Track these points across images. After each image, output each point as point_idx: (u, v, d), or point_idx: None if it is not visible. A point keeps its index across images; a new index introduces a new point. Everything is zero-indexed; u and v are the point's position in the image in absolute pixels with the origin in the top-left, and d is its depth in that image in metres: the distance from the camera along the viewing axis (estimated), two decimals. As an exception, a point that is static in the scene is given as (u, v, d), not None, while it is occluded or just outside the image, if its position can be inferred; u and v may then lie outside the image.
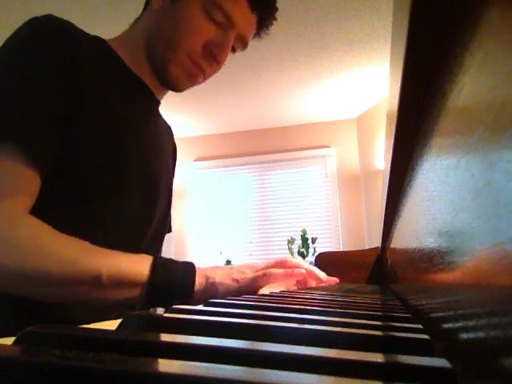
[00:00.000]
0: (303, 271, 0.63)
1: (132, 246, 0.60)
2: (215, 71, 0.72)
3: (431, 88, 0.25)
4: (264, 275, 0.60)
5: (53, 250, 0.51)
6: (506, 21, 0.12)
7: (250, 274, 0.61)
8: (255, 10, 0.67)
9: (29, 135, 0.52)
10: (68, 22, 0.60)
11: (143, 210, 0.67)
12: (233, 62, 2.71)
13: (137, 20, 0.72)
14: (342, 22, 2.28)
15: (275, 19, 0.72)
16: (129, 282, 0.54)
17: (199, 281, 0.58)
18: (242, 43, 0.70)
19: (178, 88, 0.71)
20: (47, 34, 0.57)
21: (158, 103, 0.76)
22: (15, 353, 0.12)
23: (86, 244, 0.54)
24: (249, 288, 0.60)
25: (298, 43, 2.47)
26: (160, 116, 0.79)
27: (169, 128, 0.86)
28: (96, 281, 0.52)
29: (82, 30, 0.62)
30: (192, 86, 0.72)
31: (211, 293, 0.58)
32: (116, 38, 0.70)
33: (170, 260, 0.59)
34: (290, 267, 0.65)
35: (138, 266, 0.55)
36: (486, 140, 0.14)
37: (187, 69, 0.67)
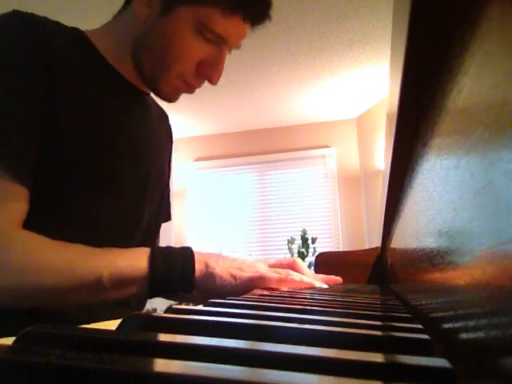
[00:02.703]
0: (297, 279, 0.63)
1: (121, 244, 0.59)
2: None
3: (431, 88, 0.25)
4: (260, 278, 0.60)
5: (49, 262, 0.51)
6: (506, 21, 0.12)
7: (248, 273, 0.61)
8: (248, 21, 0.64)
9: (8, 148, 0.51)
10: (35, 16, 0.57)
11: (133, 207, 0.66)
12: (233, 62, 2.71)
13: (119, 15, 0.67)
14: (342, 22, 2.28)
15: (270, 19, 0.67)
16: (129, 279, 0.54)
17: (199, 267, 0.58)
18: (236, 48, 0.68)
19: (170, 101, 0.69)
20: (15, 32, 0.54)
21: (147, 94, 0.73)
22: (15, 353, 0.12)
23: (82, 248, 0.53)
24: (244, 287, 0.60)
25: (297, 43, 2.47)
26: (149, 106, 0.76)
27: (162, 115, 0.84)
28: (97, 284, 0.52)
29: (55, 22, 0.59)
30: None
31: (209, 282, 0.58)
32: (96, 30, 0.66)
33: (168, 249, 0.58)
34: (294, 270, 0.65)
35: (137, 261, 0.55)
36: (486, 140, 0.14)
37: (179, 88, 0.66)
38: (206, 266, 0.59)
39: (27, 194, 0.53)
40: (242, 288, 0.60)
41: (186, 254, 0.59)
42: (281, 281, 0.62)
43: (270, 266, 0.66)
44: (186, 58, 0.62)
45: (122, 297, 0.56)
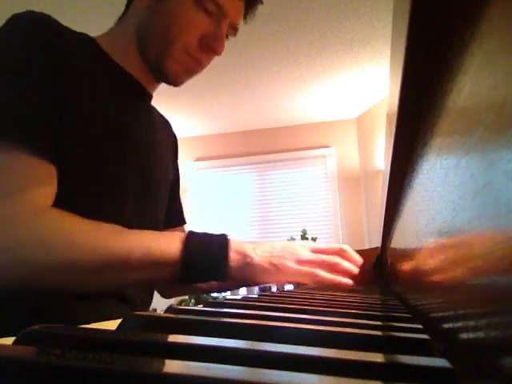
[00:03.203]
0: (349, 282, 0.60)
1: None
2: (211, 60, 0.71)
3: (431, 88, 0.25)
4: (307, 274, 0.57)
5: (80, 239, 0.50)
6: (506, 21, 0.12)
7: (291, 264, 0.57)
8: None
9: (31, 129, 0.51)
10: (50, 17, 0.59)
11: (138, 210, 0.66)
12: (233, 61, 2.72)
13: (122, 18, 0.70)
14: (342, 22, 2.28)
15: (261, 2, 0.71)
16: (160, 262, 0.52)
17: (235, 257, 0.55)
18: (233, 30, 0.70)
19: (176, 83, 0.70)
20: (30, 30, 0.55)
21: (150, 97, 0.74)
22: (15, 353, 0.12)
23: (113, 227, 0.52)
24: (286, 278, 0.57)
25: (297, 43, 2.47)
26: (153, 110, 0.77)
27: (165, 121, 0.85)
28: (126, 264, 0.50)
29: (65, 26, 0.61)
30: (190, 78, 0.71)
31: (248, 272, 0.56)
32: (103, 35, 0.69)
33: (203, 235, 0.56)
34: (348, 257, 0.62)
35: (170, 244, 0.53)
36: (486, 140, 0.14)
37: (185, 63, 0.67)
38: (244, 255, 0.56)
39: (55, 170, 0.53)
40: (284, 279, 0.57)
41: (222, 240, 0.56)
42: (334, 281, 0.58)
43: (315, 251, 0.61)
44: (188, 30, 0.64)
45: (152, 280, 0.54)
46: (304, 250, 0.60)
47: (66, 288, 0.52)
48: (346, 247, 0.65)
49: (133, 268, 0.51)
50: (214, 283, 0.74)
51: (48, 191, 0.52)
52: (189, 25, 0.64)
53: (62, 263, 0.48)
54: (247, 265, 0.56)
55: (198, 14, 0.64)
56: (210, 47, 0.66)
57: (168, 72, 0.67)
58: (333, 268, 0.61)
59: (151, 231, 0.55)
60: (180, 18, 0.63)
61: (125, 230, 0.53)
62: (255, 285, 0.60)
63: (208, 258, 0.54)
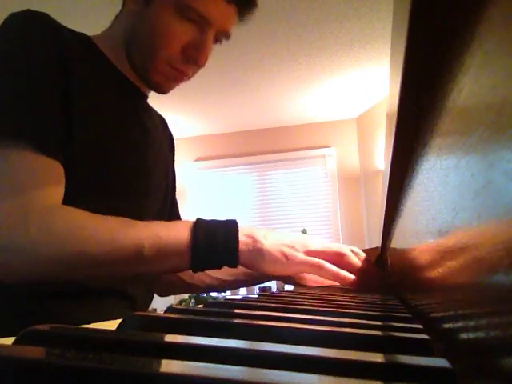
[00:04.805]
0: (352, 277, 0.59)
1: None
2: (199, 70, 0.70)
3: (431, 88, 0.25)
4: (314, 265, 0.57)
5: (91, 232, 0.50)
6: (506, 21, 0.12)
7: (300, 255, 0.57)
8: (231, 1, 0.63)
9: (38, 128, 0.52)
10: (48, 16, 0.59)
11: (137, 210, 0.66)
12: (233, 61, 2.72)
13: (116, 17, 0.70)
14: (341, 21, 2.28)
15: (256, 5, 0.67)
16: (170, 251, 0.52)
17: (244, 240, 0.55)
18: (225, 36, 0.67)
19: (162, 91, 0.70)
20: (30, 29, 0.56)
21: (146, 97, 0.74)
22: (15, 353, 0.12)
23: (123, 219, 0.53)
24: (295, 269, 0.57)
25: (297, 43, 2.47)
26: (150, 109, 0.77)
27: (162, 120, 0.85)
28: (138, 255, 0.51)
29: (63, 25, 0.61)
30: (176, 86, 0.71)
31: (257, 258, 0.55)
32: (100, 34, 0.69)
33: (212, 221, 0.56)
34: (346, 263, 0.60)
35: (178, 232, 0.53)
36: (485, 140, 0.14)
37: (169, 75, 0.66)
38: (254, 240, 0.55)
39: (62, 169, 0.54)
40: (293, 269, 0.57)
41: (230, 225, 0.55)
42: (337, 277, 0.58)
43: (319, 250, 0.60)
44: (170, 41, 0.63)
45: (165, 269, 0.54)
46: (314, 243, 0.60)
47: (81, 281, 0.53)
48: (349, 253, 0.64)
49: (144, 258, 0.51)
50: (218, 279, 0.77)
51: (58, 190, 0.53)
52: (171, 36, 0.62)
53: (75, 259, 0.49)
54: (257, 250, 0.55)
55: (180, 22, 0.62)
56: (192, 58, 0.65)
57: (153, 82, 0.67)
58: (341, 259, 0.60)
59: (159, 221, 0.55)
60: (162, 27, 0.62)
61: (133, 221, 0.53)
62: (262, 274, 0.60)
63: (217, 241, 0.53)
